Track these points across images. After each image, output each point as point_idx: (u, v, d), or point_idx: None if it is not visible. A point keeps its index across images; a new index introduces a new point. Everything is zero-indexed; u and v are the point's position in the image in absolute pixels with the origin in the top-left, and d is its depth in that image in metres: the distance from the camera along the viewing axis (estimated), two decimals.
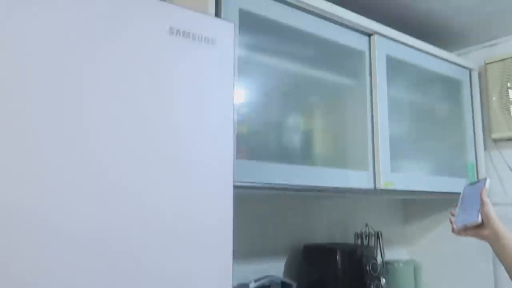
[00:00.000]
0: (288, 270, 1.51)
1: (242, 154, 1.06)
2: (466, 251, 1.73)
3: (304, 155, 1.24)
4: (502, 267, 0.95)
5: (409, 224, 2.00)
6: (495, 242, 0.93)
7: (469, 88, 1.76)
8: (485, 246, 1.05)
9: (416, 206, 1.96)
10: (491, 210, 0.93)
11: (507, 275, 0.93)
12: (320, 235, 1.65)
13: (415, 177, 1.45)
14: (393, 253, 1.91)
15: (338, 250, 1.36)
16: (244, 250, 1.44)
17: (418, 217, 1.95)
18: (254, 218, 1.48)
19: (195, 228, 0.66)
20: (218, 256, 0.67)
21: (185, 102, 0.68)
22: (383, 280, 1.66)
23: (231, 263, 0.68)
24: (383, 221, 1.89)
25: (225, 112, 0.71)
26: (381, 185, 1.30)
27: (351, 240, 1.68)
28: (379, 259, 1.70)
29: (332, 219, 1.71)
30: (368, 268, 1.34)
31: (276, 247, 1.51)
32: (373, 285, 1.32)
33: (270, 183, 1.07)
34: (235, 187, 0.99)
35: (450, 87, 1.72)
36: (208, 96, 0.70)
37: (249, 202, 1.47)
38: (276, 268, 1.50)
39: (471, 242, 1.72)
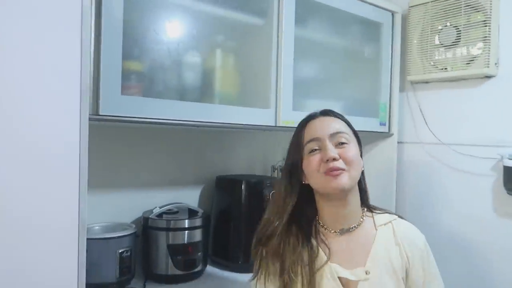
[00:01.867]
0: (202, 199, 1.64)
1: (133, 91, 1.12)
2: (377, 185, 1.89)
3: (204, 93, 1.30)
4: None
5: None
6: None
7: (391, 31, 1.80)
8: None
9: None
10: None
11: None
12: (240, 168, 1.77)
13: None
14: None
15: (243, 181, 1.48)
16: (161, 180, 1.55)
17: None
18: (173, 151, 1.57)
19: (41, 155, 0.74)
20: (64, 187, 0.75)
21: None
22: None
23: (78, 195, 0.77)
24: None
25: (70, 54, 0.76)
26: (281, 122, 1.39)
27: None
28: None
29: (253, 153, 1.83)
30: (268, 197, 1.47)
31: (193, 179, 1.63)
32: None
33: (164, 119, 1.14)
34: (123, 120, 1.06)
35: (370, 30, 1.76)
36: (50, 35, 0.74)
37: (169, 135, 1.55)
38: (193, 198, 1.63)
39: (381, 178, 1.88)
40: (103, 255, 1.20)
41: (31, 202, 0.74)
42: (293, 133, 1.04)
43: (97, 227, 1.32)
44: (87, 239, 1.12)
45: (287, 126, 1.41)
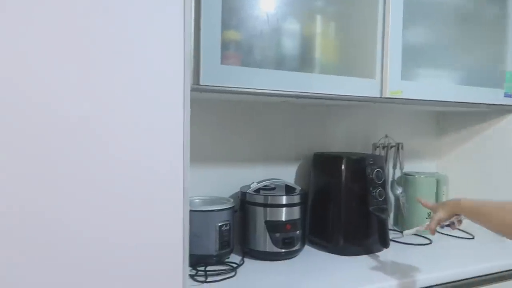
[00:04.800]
0: (298, 176, 1.58)
1: (232, 60, 1.09)
2: (497, 167, 1.65)
3: (303, 62, 1.23)
4: None
5: (442, 136, 1.93)
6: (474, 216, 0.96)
7: None
8: None
9: (450, 118, 1.87)
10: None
11: None
12: (338, 145, 1.67)
13: (434, 86, 1.37)
14: (421, 165, 1.88)
15: (343, 158, 1.39)
16: (258, 155, 1.52)
17: (452, 129, 1.87)
18: (271, 126, 1.54)
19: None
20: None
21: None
22: (399, 189, 1.68)
23: (182, 166, 0.76)
24: (413, 133, 1.85)
25: (174, 26, 0.74)
26: (388, 93, 1.26)
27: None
28: (397, 171, 1.71)
29: (352, 129, 1.71)
30: (371, 176, 1.35)
31: (289, 154, 1.58)
32: (375, 192, 1.35)
33: (261, 89, 1.10)
34: (221, 91, 1.04)
35: None
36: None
37: (268, 110, 1.52)
38: (289, 174, 1.58)
39: (504, 159, 1.64)
40: (204, 227, 1.21)
41: (140, 174, 0.75)
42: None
43: (197, 200, 1.34)
44: (189, 210, 1.14)
45: (394, 97, 1.27)
